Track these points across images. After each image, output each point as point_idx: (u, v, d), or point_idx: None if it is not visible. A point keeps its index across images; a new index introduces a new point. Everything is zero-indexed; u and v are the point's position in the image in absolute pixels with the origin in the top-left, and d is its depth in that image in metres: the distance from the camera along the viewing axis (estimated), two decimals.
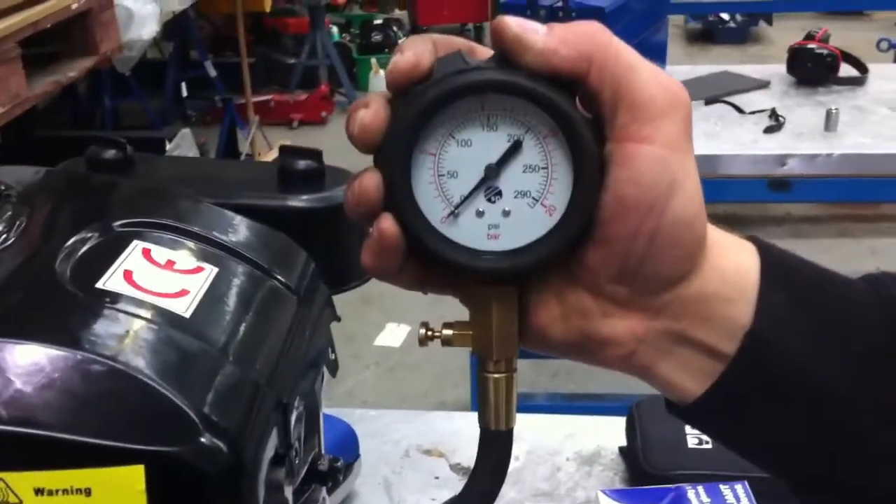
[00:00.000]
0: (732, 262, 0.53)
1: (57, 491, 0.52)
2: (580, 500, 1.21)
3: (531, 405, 2.64)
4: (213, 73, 5.08)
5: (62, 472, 0.52)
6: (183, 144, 4.01)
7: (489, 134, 0.50)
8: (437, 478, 1.26)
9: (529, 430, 1.31)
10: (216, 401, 0.57)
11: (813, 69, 2.81)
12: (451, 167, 0.51)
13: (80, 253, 0.64)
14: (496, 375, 0.56)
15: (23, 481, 0.52)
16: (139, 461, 0.53)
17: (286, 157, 0.83)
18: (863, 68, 2.86)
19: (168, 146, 3.86)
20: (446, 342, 0.58)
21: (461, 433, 1.33)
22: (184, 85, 5.30)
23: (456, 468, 1.28)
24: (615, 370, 0.56)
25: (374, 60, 6.25)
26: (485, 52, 0.53)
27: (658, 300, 0.52)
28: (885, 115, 2.61)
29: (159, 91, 5.36)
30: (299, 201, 0.81)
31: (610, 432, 1.31)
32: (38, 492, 0.52)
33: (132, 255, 0.65)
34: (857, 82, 2.80)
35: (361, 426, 1.23)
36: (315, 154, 0.83)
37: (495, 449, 0.58)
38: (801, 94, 2.79)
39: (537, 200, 0.51)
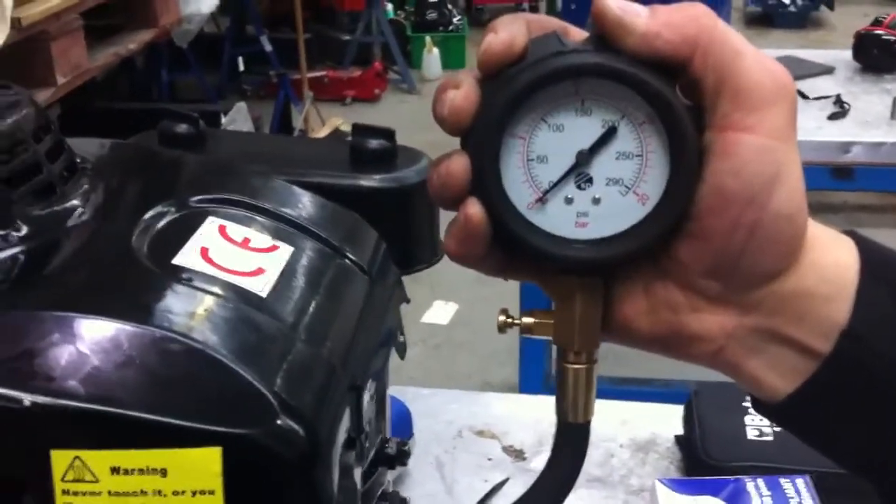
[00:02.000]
0: (832, 258, 0.51)
1: (133, 470, 0.52)
2: (634, 487, 1.20)
3: None
4: (268, 48, 5.09)
5: (138, 451, 0.52)
6: (238, 118, 4.03)
7: (582, 119, 0.49)
8: (489, 459, 1.26)
9: None
10: (293, 383, 0.56)
11: (880, 55, 2.75)
12: (541, 152, 0.49)
13: (156, 228, 0.63)
14: (576, 366, 0.55)
15: (99, 460, 0.52)
16: (215, 443, 0.52)
17: (358, 136, 0.82)
18: None
19: (223, 120, 3.88)
20: (526, 331, 0.56)
21: (513, 415, 1.33)
22: (240, 59, 5.32)
23: (508, 450, 1.28)
24: (700, 366, 0.54)
25: (428, 38, 6.23)
26: (578, 33, 0.51)
27: (752, 296, 0.50)
28: None
29: (215, 65, 5.38)
30: (371, 181, 0.80)
31: (665, 420, 1.30)
32: (114, 471, 0.52)
33: (208, 232, 0.64)
34: None
35: (414, 405, 1.23)
36: (388, 133, 0.82)
37: (572, 441, 0.57)
38: (866, 81, 2.73)
39: (629, 189, 0.50)
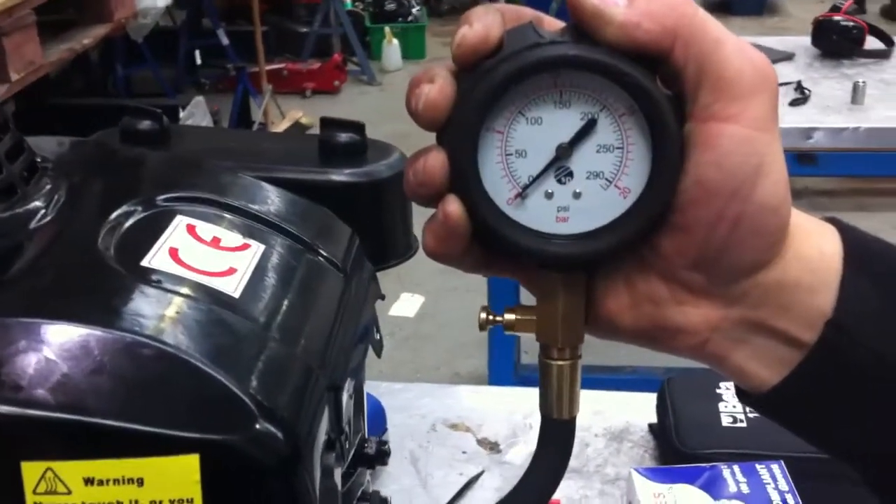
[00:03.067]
0: (815, 247, 0.50)
1: (108, 481, 0.50)
2: (610, 476, 1.20)
3: None
4: (225, 41, 5.04)
5: (113, 461, 0.50)
6: (196, 113, 3.98)
7: (561, 111, 0.48)
8: (464, 452, 1.26)
9: None
10: (270, 385, 0.55)
11: (838, 41, 2.77)
12: (519, 146, 0.48)
13: (123, 229, 0.61)
14: (560, 363, 0.54)
15: (72, 471, 0.50)
16: (192, 450, 0.51)
17: (327, 130, 0.80)
18: (888, 41, 2.81)
19: (181, 114, 3.83)
20: (508, 327, 0.56)
21: (486, 407, 1.33)
22: (197, 53, 5.27)
23: (483, 443, 1.28)
24: (684, 358, 0.54)
25: (387, 29, 6.20)
26: (553, 23, 0.50)
27: (736, 288, 0.49)
28: None
29: (171, 59, 5.32)
30: (342, 175, 0.78)
31: (638, 408, 1.31)
32: (88, 482, 0.50)
33: (177, 232, 0.62)
34: (882, 55, 2.76)
35: (387, 399, 1.22)
36: (357, 127, 0.80)
37: (557, 438, 0.56)
38: (826, 67, 2.75)
39: (611, 182, 0.49)
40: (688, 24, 0.46)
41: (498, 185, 0.48)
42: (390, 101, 5.85)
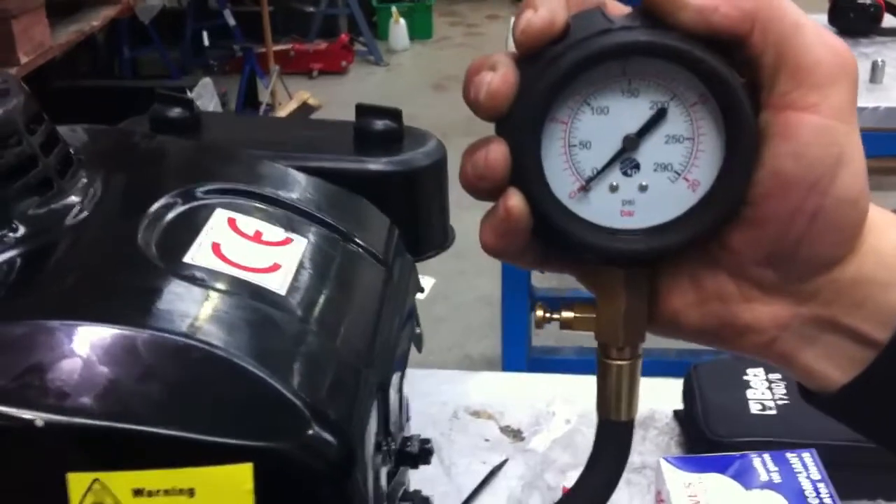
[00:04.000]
0: (891, 243, 0.48)
1: (158, 492, 0.48)
2: (636, 464, 1.19)
3: (564, 362, 2.62)
4: (232, 21, 5.00)
5: (163, 471, 0.48)
6: (204, 94, 3.95)
7: (629, 100, 0.45)
8: (487, 440, 1.25)
9: (580, 392, 1.28)
10: (321, 388, 0.52)
11: (856, 19, 2.73)
12: (583, 137, 0.46)
13: (162, 223, 0.58)
14: (620, 363, 0.52)
15: (121, 482, 0.47)
16: (245, 458, 0.48)
17: (363, 117, 0.78)
18: None
19: (189, 96, 3.80)
20: (566, 325, 0.54)
21: (509, 394, 1.32)
22: (204, 34, 5.23)
23: (506, 430, 1.27)
24: (751, 357, 0.52)
25: (394, 9, 6.16)
26: (618, 7, 0.47)
27: (809, 285, 0.47)
28: None
29: (178, 41, 5.29)
30: (379, 164, 0.76)
31: (662, 395, 1.29)
32: (138, 493, 0.47)
33: (218, 226, 0.59)
34: None
35: (406, 387, 1.21)
36: (394, 114, 0.77)
37: (614, 441, 0.54)
38: None
39: (679, 174, 0.46)
40: (766, 8, 0.44)
41: (560, 177, 0.46)
42: (398, 81, 5.82)
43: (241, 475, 0.48)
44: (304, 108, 4.80)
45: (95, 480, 0.47)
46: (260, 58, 4.88)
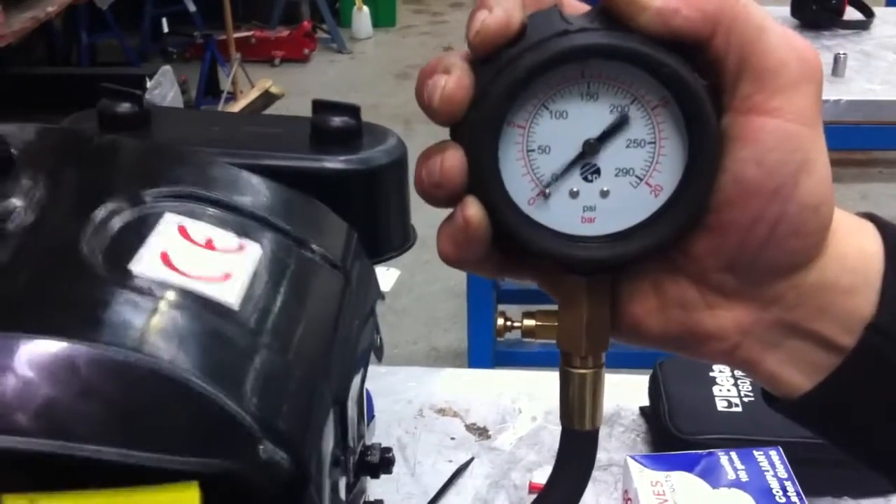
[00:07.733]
0: (855, 247, 0.48)
1: None
2: (602, 462, 1.19)
3: (530, 354, 2.61)
4: (192, 7, 4.95)
5: (104, 492, 0.45)
6: (164, 82, 3.89)
7: (588, 104, 0.44)
8: (452, 438, 1.24)
9: (545, 388, 1.28)
10: (274, 404, 0.50)
11: (818, 12, 2.75)
12: (542, 141, 0.45)
13: (107, 230, 0.55)
14: (582, 371, 0.51)
15: None
16: (191, 478, 0.46)
17: (320, 113, 0.75)
18: (868, 12, 2.80)
19: (149, 84, 3.74)
20: (528, 334, 0.53)
21: (474, 391, 1.32)
22: (163, 20, 5.17)
23: (472, 428, 1.26)
24: (715, 363, 0.52)
25: None
26: (577, 6, 0.46)
27: (771, 291, 0.47)
28: (893, 60, 2.57)
29: (136, 27, 5.23)
30: (336, 162, 0.74)
31: (628, 391, 1.30)
32: None
33: (166, 233, 0.57)
34: (862, 26, 2.75)
35: (372, 384, 1.20)
36: (352, 109, 0.75)
37: (578, 451, 0.53)
38: (805, 38, 2.73)
39: (641, 179, 0.46)
40: (730, 11, 0.43)
41: (519, 184, 0.45)
42: (361, 69, 5.79)
43: (186, 496, 0.46)
44: (267, 97, 4.75)
45: (32, 503, 0.45)
46: (221, 45, 4.83)
